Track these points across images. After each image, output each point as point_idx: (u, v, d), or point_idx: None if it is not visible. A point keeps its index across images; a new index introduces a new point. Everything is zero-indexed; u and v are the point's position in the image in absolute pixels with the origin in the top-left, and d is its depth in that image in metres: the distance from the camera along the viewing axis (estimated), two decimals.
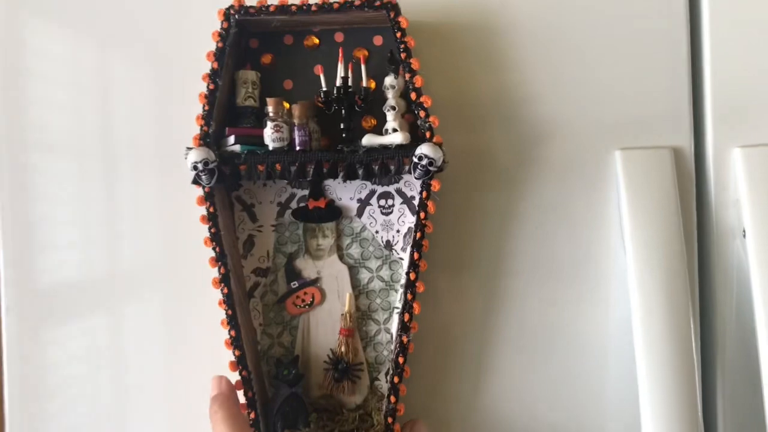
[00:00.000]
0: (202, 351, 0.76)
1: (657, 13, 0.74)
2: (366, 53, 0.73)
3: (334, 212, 0.74)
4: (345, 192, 0.75)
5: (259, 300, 0.75)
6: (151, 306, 0.77)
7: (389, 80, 0.70)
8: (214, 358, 0.72)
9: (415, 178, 0.68)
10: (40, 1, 0.77)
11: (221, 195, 0.73)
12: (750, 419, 0.72)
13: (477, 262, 0.75)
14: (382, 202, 0.74)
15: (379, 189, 0.74)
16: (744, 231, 0.71)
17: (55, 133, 0.77)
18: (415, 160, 0.66)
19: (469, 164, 0.75)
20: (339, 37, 0.74)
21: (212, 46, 0.69)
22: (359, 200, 0.75)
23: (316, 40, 0.74)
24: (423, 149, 0.66)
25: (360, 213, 0.75)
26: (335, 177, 0.69)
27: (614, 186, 0.74)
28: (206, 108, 0.69)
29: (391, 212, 0.74)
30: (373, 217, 0.75)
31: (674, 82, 0.74)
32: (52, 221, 0.77)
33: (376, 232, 0.75)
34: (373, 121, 0.73)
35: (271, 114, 0.70)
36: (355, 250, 0.75)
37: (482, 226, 0.75)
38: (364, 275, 0.75)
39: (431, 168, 0.66)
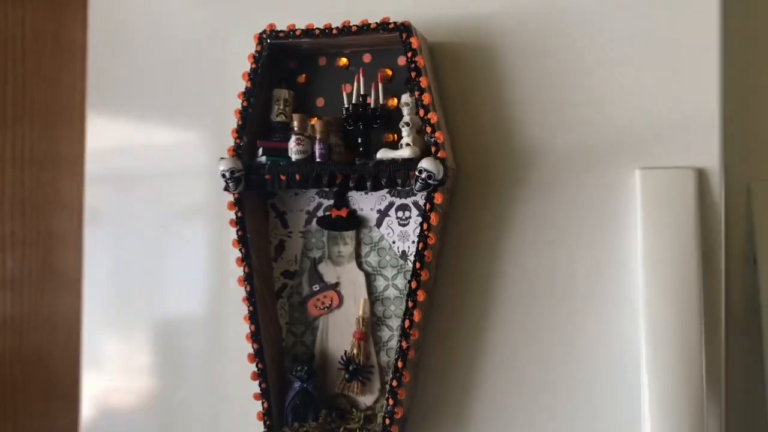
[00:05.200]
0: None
1: (685, 29, 0.72)
2: (389, 72, 0.78)
3: (354, 221, 0.79)
4: (366, 203, 0.79)
5: (286, 300, 0.81)
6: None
7: (405, 98, 0.74)
8: None
9: (416, 190, 0.71)
10: None
11: (254, 202, 0.80)
12: None
13: (488, 280, 0.76)
14: (400, 213, 0.78)
15: (398, 201, 0.78)
16: (755, 259, 0.67)
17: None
18: (417, 173, 0.70)
19: (482, 182, 0.76)
20: (367, 58, 0.79)
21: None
22: (378, 211, 0.79)
23: (346, 61, 0.80)
24: (423, 163, 0.69)
25: (379, 223, 0.79)
26: (349, 187, 0.74)
27: (633, 206, 0.72)
28: (240, 123, 0.77)
29: (408, 224, 0.78)
30: (391, 228, 0.78)
31: (704, 100, 0.71)
32: None
33: (393, 242, 0.78)
34: (394, 136, 0.77)
35: (296, 128, 0.76)
36: (373, 258, 0.79)
37: (493, 244, 0.76)
38: (381, 283, 0.78)
39: (430, 181, 0.69)
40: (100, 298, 0.92)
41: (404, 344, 0.72)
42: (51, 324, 1.02)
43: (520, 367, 0.75)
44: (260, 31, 0.77)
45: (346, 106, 0.76)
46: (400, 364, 0.72)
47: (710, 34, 0.72)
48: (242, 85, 0.78)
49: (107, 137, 0.92)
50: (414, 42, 0.72)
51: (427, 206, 0.71)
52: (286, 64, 0.82)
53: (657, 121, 0.72)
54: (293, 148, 0.75)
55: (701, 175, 0.71)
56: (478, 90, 0.77)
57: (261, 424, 0.76)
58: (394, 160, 0.72)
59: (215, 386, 0.84)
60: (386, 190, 0.77)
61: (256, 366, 0.76)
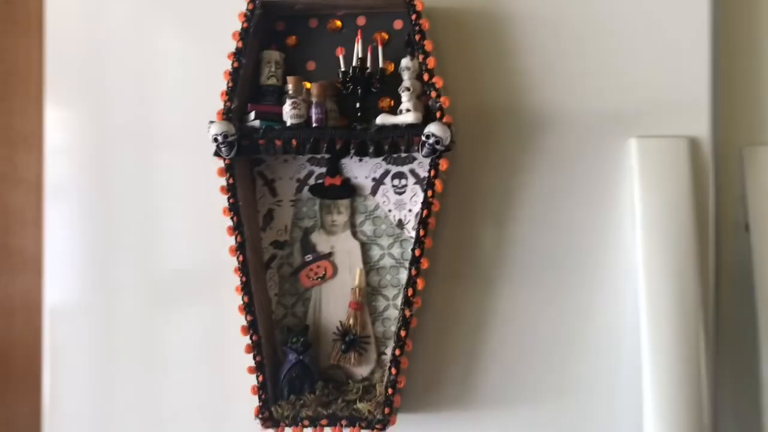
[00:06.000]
0: None
1: (678, 5, 0.74)
2: (385, 36, 0.76)
3: (348, 190, 0.77)
4: (360, 170, 0.77)
5: (275, 271, 0.78)
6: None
7: (405, 62, 0.73)
8: None
9: (423, 156, 0.69)
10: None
11: (243, 169, 0.76)
12: (749, 403, 0.71)
13: (484, 249, 0.75)
14: (396, 181, 0.76)
15: (394, 169, 0.76)
16: (747, 225, 0.70)
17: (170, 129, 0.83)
18: (423, 138, 0.68)
19: (480, 149, 0.76)
20: (361, 20, 0.77)
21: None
22: (374, 179, 0.77)
23: (339, 24, 0.77)
24: (431, 128, 0.68)
25: (374, 191, 0.77)
26: (348, 154, 0.72)
27: (628, 174, 0.73)
28: (230, 85, 0.73)
29: (404, 192, 0.76)
30: (387, 196, 0.77)
31: (695, 71, 0.73)
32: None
33: (389, 210, 0.77)
34: (390, 102, 0.75)
35: (290, 92, 0.73)
36: (368, 228, 0.77)
37: (490, 212, 0.75)
38: (376, 252, 0.77)
39: (438, 147, 0.68)
40: (63, 277, 0.85)
41: (407, 312, 0.71)
42: (8, 306, 0.96)
43: (518, 335, 0.75)
44: None
45: (342, 69, 0.74)
46: (403, 333, 0.71)
47: (701, 9, 0.74)
48: (228, 45, 0.74)
49: (68, 110, 0.85)
50: (418, 4, 0.70)
51: (432, 173, 0.70)
52: (273, 25, 0.78)
53: (651, 92, 0.74)
54: (289, 112, 0.72)
55: (693, 144, 0.73)
56: (472, 57, 0.76)
57: (255, 398, 0.73)
58: (396, 126, 0.71)
59: (201, 363, 0.80)
60: (382, 157, 0.76)
61: (250, 338, 0.73)
